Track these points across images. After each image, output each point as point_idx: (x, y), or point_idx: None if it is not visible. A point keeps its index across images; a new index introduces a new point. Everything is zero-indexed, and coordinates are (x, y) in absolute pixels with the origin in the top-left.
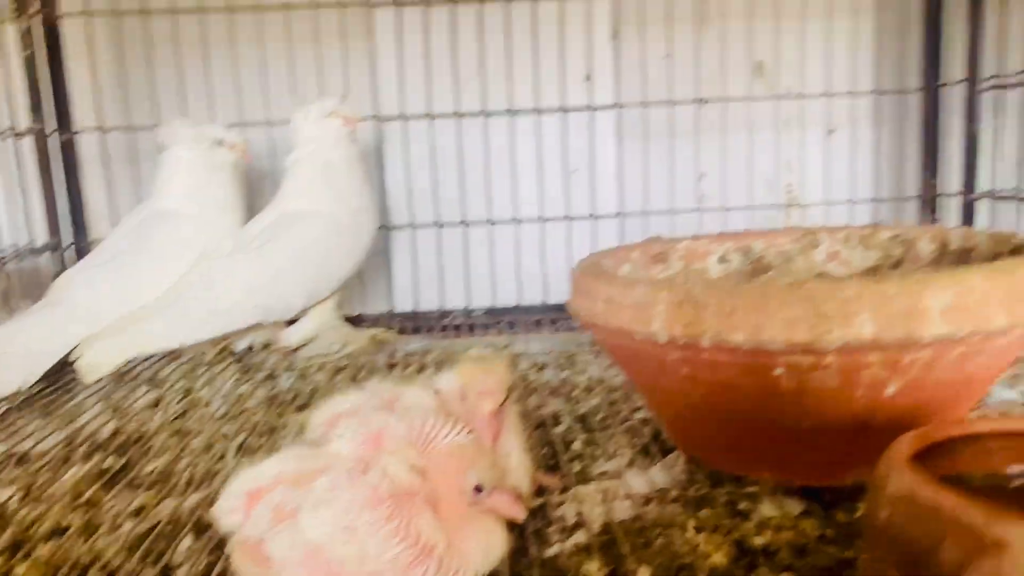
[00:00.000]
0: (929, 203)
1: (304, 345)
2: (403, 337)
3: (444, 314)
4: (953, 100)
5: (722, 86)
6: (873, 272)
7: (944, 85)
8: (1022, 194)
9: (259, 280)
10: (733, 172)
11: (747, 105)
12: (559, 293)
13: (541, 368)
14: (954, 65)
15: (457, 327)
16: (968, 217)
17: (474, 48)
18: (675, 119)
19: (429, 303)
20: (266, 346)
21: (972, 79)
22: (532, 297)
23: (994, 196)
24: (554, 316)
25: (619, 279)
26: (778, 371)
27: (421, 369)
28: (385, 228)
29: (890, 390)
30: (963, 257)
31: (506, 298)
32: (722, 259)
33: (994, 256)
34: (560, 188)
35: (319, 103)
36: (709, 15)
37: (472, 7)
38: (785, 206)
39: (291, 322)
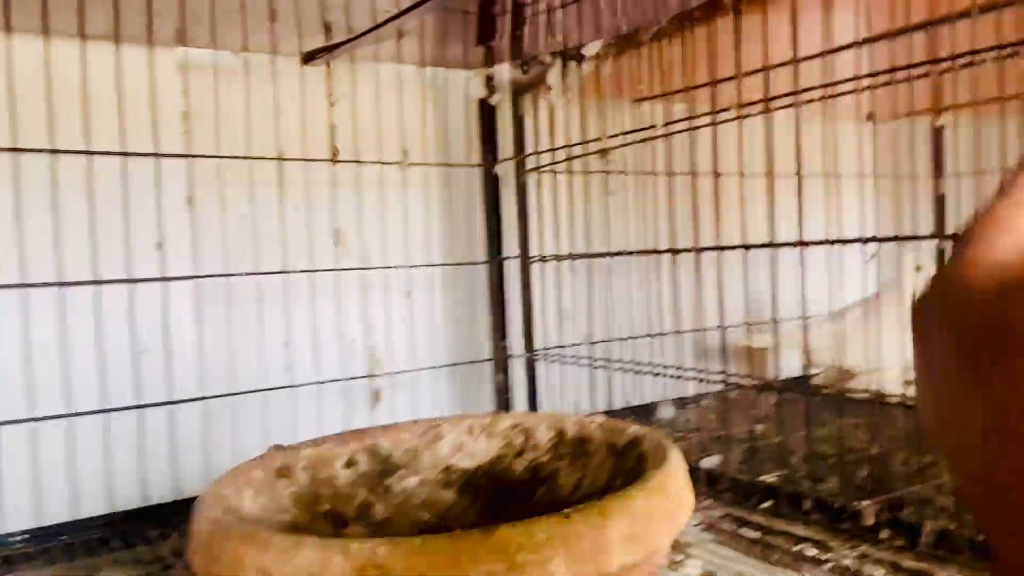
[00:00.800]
0: (501, 363)
1: None
2: None
3: None
4: (515, 270)
5: (308, 251)
6: (499, 461)
7: (506, 258)
8: (561, 352)
9: None
10: (323, 337)
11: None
12: (128, 499)
13: None
14: (512, 238)
15: None
16: (531, 372)
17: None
18: (263, 286)
19: None
20: None
21: (524, 254)
22: (93, 507)
23: (546, 354)
24: (123, 529)
25: (276, 543)
26: None
27: None
28: None
29: None
30: (581, 445)
31: (57, 512)
32: (349, 463)
33: (608, 445)
34: (128, 371)
35: None
36: (290, 181)
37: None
38: (369, 373)
39: None
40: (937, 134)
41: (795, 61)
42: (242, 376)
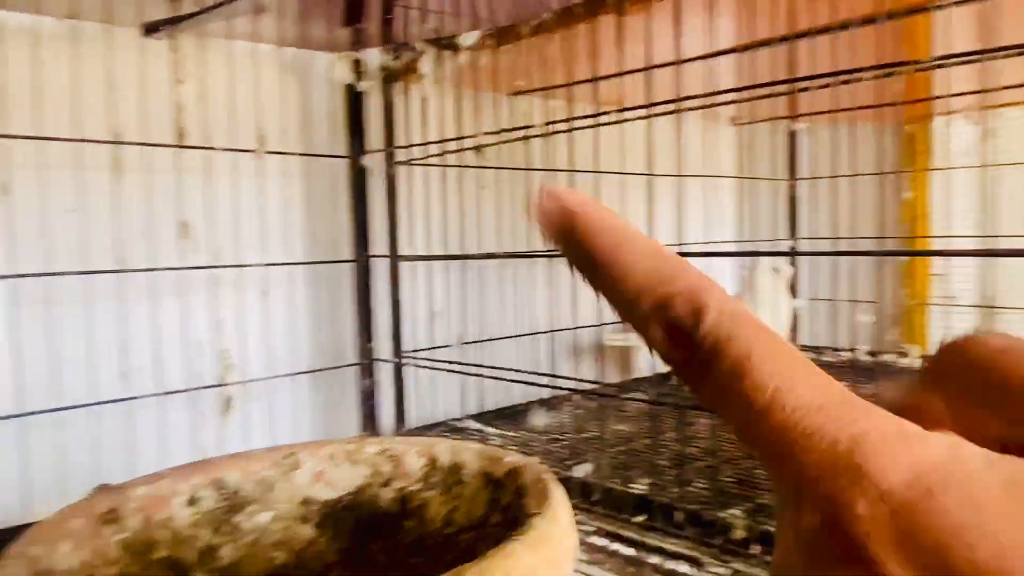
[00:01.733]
0: (367, 368)
1: None
2: None
3: None
4: (382, 269)
5: (147, 245)
6: (364, 492)
7: (373, 256)
8: (431, 356)
9: None
10: (166, 342)
11: (178, 265)
12: None
13: None
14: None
15: None
16: (399, 378)
17: None
18: (92, 285)
19: None
20: None
21: (393, 252)
22: None
23: (415, 358)
24: None
25: None
26: None
27: None
28: None
29: None
30: (455, 474)
31: None
32: (191, 501)
33: (485, 474)
34: None
35: None
36: (129, 167)
37: None
38: (220, 381)
39: None
40: (792, 138)
41: (677, 63)
42: (68, 388)
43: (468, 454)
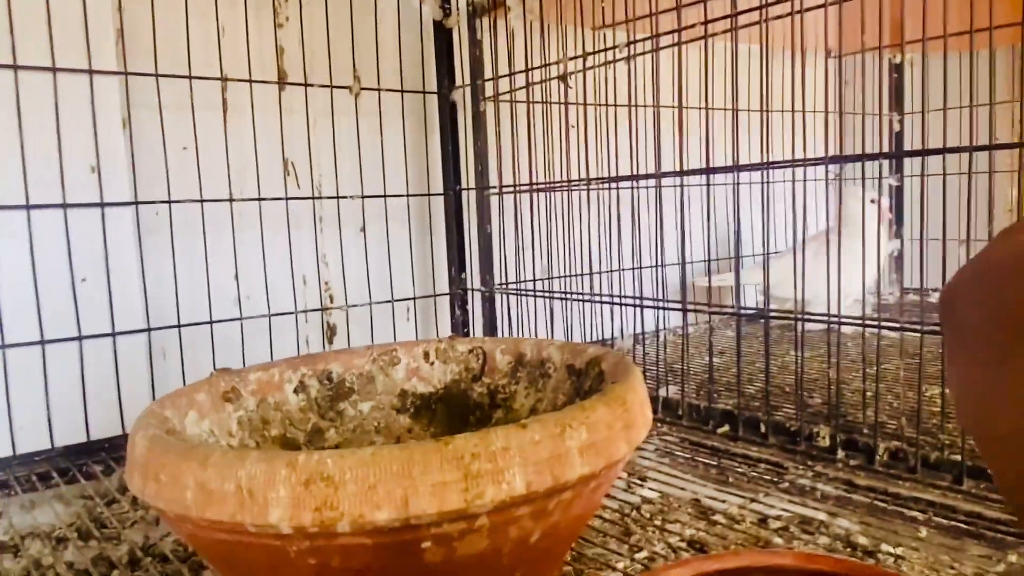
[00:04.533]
0: (459, 297)
1: None
2: None
3: None
4: (471, 202)
5: (253, 181)
6: (455, 386)
7: (464, 189)
8: (520, 286)
9: None
10: (273, 270)
11: (282, 202)
12: (70, 433)
13: (58, 544)
14: (468, 171)
15: None
16: (491, 307)
17: None
18: (206, 215)
19: None
20: None
21: (481, 185)
22: (32, 443)
23: (505, 288)
24: (64, 465)
25: (216, 457)
26: (425, 544)
27: None
28: None
29: (534, 538)
30: (540, 367)
31: None
32: (300, 387)
33: (568, 366)
34: (66, 301)
35: None
36: (235, 104)
37: None
38: (324, 308)
39: None
40: (896, 69)
41: None
42: (190, 308)
43: (552, 349)
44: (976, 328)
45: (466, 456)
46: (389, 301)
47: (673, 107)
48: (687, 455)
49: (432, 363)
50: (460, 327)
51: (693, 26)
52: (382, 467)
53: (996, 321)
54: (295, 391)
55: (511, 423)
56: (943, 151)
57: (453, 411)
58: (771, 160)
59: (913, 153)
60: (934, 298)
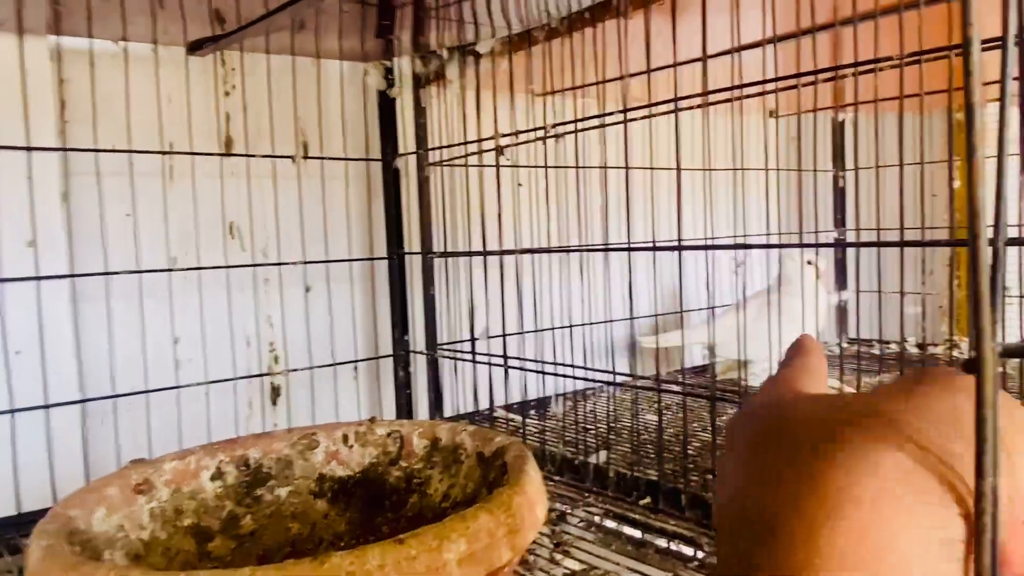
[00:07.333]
0: (402, 360)
1: None
2: None
3: None
4: (415, 266)
5: (196, 247)
6: (373, 469)
7: (407, 254)
8: (463, 348)
9: None
10: (215, 333)
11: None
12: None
13: None
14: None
15: None
16: (433, 368)
17: None
18: (145, 283)
19: None
20: None
21: (426, 249)
22: None
23: (448, 350)
24: None
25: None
26: None
27: None
28: None
29: None
30: (454, 453)
31: None
32: (217, 474)
33: (478, 453)
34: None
35: None
36: (178, 170)
37: None
38: (268, 372)
39: None
40: (840, 129)
41: (704, 58)
42: (131, 375)
43: (465, 435)
44: (729, 448)
45: (342, 575)
46: (332, 365)
47: (621, 168)
48: (610, 528)
49: (351, 446)
50: (403, 389)
51: (637, 108)
52: None
53: (731, 443)
54: (212, 478)
55: (426, 510)
56: (878, 244)
57: (370, 495)
58: (713, 237)
59: (848, 245)
60: (875, 349)
